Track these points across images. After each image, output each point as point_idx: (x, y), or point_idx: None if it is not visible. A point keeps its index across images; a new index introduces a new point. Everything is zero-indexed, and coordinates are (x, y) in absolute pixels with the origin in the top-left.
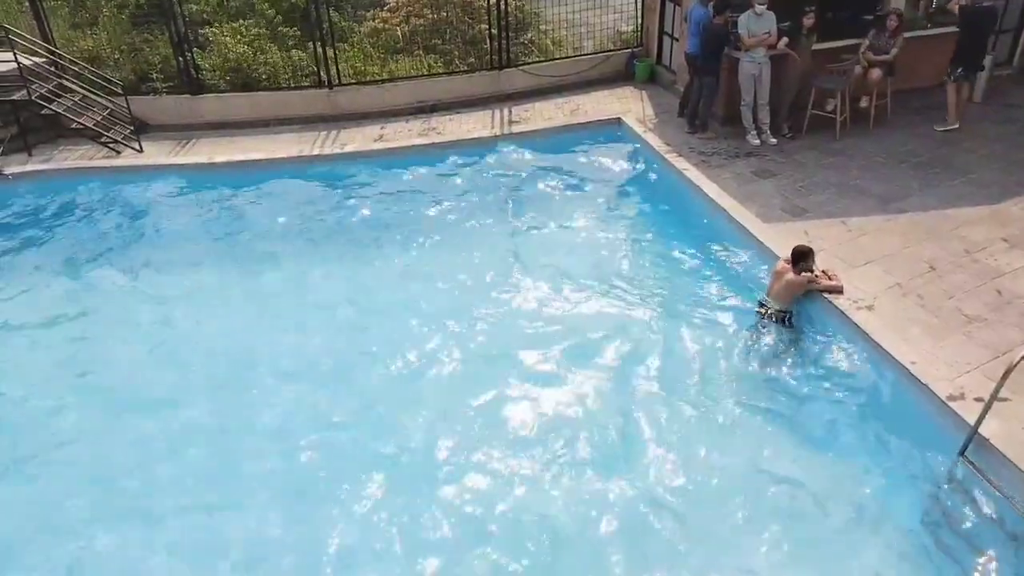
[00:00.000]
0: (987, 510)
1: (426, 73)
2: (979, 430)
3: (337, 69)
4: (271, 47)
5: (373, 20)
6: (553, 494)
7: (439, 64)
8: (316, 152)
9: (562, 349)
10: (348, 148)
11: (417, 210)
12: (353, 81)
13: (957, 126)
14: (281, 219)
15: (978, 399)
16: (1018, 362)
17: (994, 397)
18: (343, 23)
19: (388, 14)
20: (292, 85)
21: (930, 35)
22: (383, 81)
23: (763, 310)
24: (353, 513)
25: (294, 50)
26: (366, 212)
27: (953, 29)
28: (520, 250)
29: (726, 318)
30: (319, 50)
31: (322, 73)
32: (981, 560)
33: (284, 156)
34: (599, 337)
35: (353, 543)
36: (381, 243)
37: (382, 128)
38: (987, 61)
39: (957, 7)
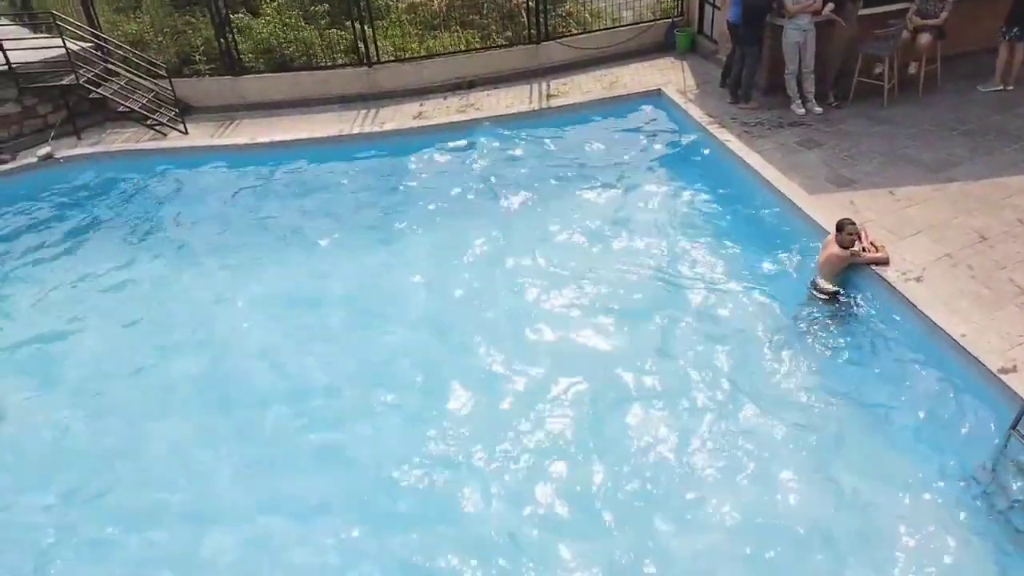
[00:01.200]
0: None
1: (464, 49)
2: None
3: (376, 46)
4: (305, 26)
5: None
6: (629, 471)
7: (476, 39)
8: (356, 131)
9: (614, 318)
10: (388, 126)
11: (458, 186)
12: (392, 59)
13: (1002, 88)
14: (324, 197)
15: None
16: None
17: None
18: (380, 0)
19: None
20: (332, 64)
21: None
22: (422, 58)
23: (812, 285)
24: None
25: (333, 29)
26: (413, 188)
27: None
28: (561, 224)
29: (773, 293)
30: (358, 27)
31: (362, 51)
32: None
33: (325, 135)
34: (646, 309)
35: None
36: (433, 219)
37: (421, 105)
38: None
39: None
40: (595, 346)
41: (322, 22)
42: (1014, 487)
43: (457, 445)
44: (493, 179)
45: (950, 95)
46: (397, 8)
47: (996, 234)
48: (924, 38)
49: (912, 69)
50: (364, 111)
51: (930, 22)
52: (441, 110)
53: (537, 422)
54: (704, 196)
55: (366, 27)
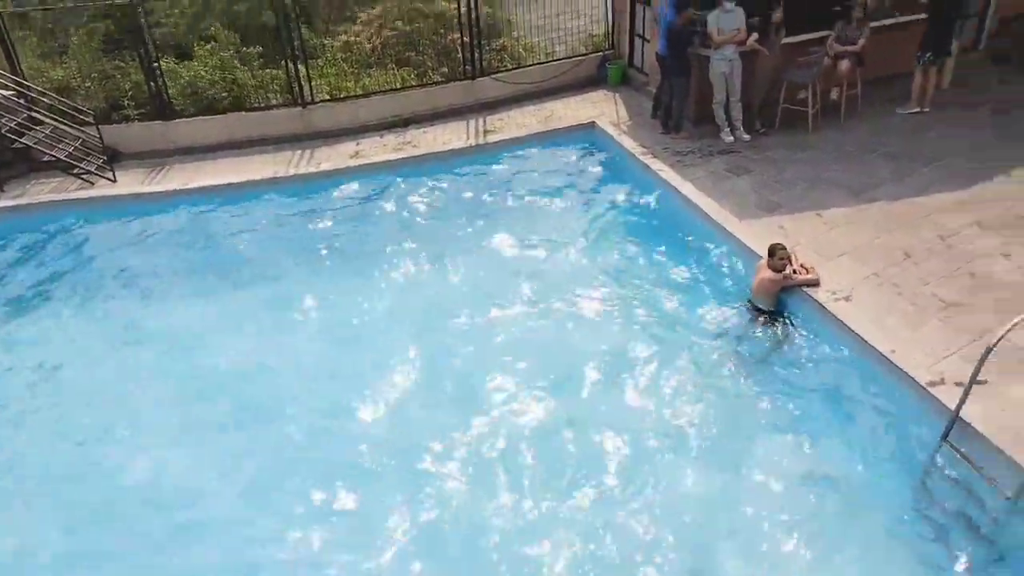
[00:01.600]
0: (970, 493)
1: (400, 86)
2: (960, 414)
3: (310, 86)
4: (238, 68)
5: (345, 35)
6: (560, 507)
7: (413, 76)
8: (292, 172)
9: (547, 354)
10: (324, 166)
11: (392, 225)
12: (327, 98)
13: (917, 110)
14: (259, 240)
15: (958, 383)
16: (995, 344)
17: (973, 381)
18: (314, 40)
19: (360, 27)
20: (264, 105)
21: (897, 23)
22: (357, 97)
23: (748, 308)
24: None
25: (268, 69)
26: (345, 229)
27: (919, 17)
28: (499, 259)
29: (710, 318)
30: (292, 68)
31: (296, 91)
32: (965, 542)
33: (259, 178)
34: (584, 344)
35: None
36: (360, 259)
37: (357, 144)
38: (953, 47)
39: None
40: (540, 377)
41: (255, 63)
42: (947, 497)
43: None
44: (430, 216)
45: (871, 119)
46: (332, 47)
47: (918, 251)
48: (844, 64)
49: (834, 95)
50: (299, 152)
51: (849, 49)
52: (378, 148)
53: (476, 454)
54: (639, 225)
55: (300, 67)
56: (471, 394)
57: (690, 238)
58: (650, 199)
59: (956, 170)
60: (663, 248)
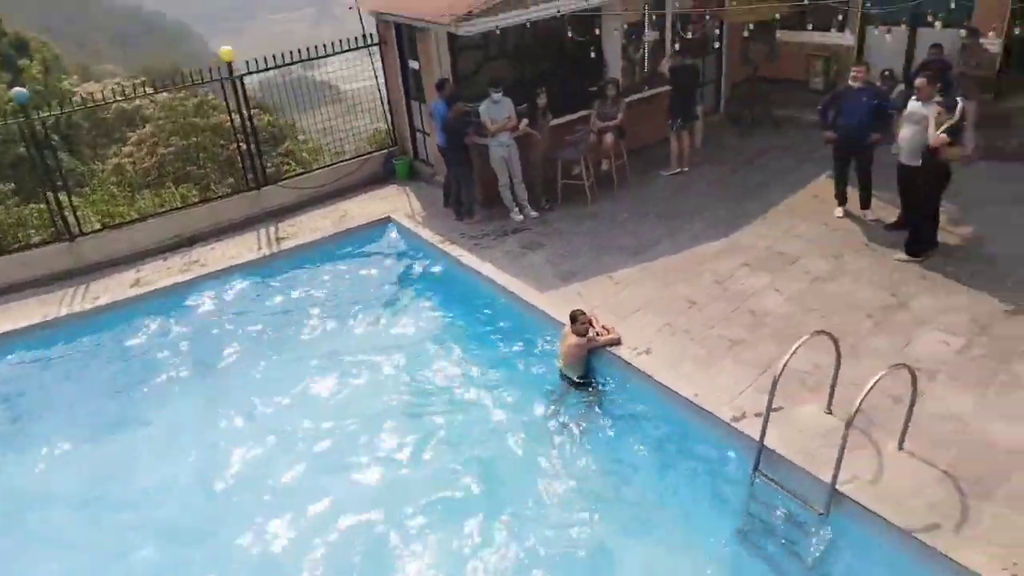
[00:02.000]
0: (787, 515)
1: (180, 205)
2: (764, 443)
3: (76, 217)
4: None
5: (116, 157)
6: None
7: (194, 192)
8: (65, 312)
9: (359, 455)
10: (102, 300)
11: (185, 352)
12: (99, 227)
13: (678, 171)
14: (24, 395)
15: (758, 414)
16: (781, 372)
17: (769, 409)
18: (80, 167)
19: (132, 148)
20: (24, 244)
21: (649, 95)
22: (134, 221)
23: (560, 377)
24: None
25: (31, 204)
26: (125, 366)
27: (666, 88)
28: (307, 369)
29: (525, 392)
30: (54, 199)
31: (60, 224)
32: (789, 561)
33: (27, 324)
34: (395, 436)
35: None
36: (146, 398)
37: (138, 271)
38: (698, 111)
39: (666, 68)
40: (349, 487)
41: (10, 201)
42: (769, 523)
43: None
44: (223, 337)
45: (640, 184)
46: (101, 172)
47: (701, 298)
48: (608, 138)
49: (604, 166)
50: (72, 289)
51: (610, 124)
52: (162, 272)
53: None
54: (445, 310)
55: (59, 197)
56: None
57: (498, 317)
58: (454, 284)
59: (719, 219)
60: (474, 331)
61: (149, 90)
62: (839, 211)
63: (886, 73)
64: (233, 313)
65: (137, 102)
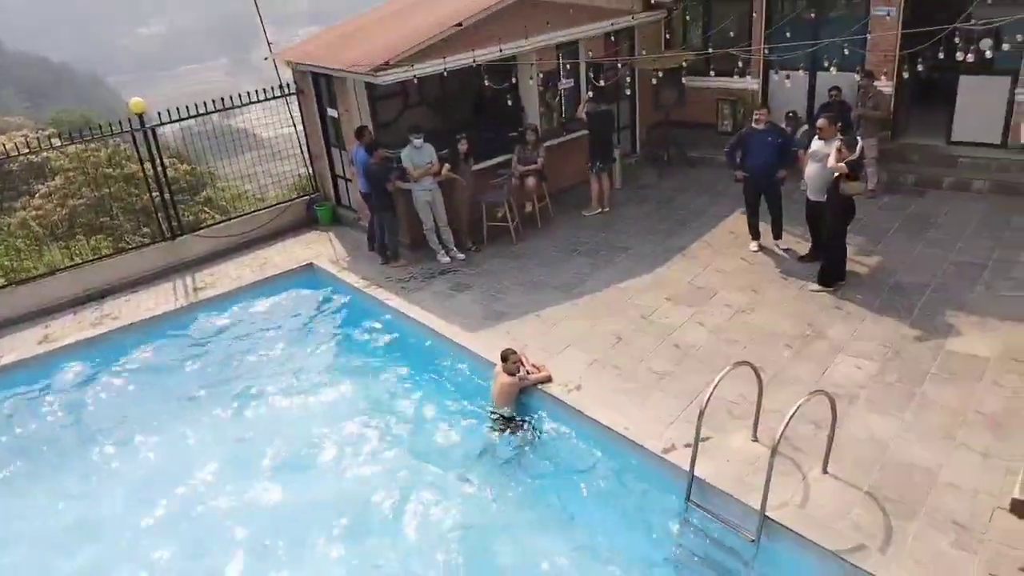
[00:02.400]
0: (719, 543)
1: (92, 258)
2: (695, 473)
3: None
4: None
5: (23, 210)
6: None
7: (107, 243)
8: None
9: (289, 507)
10: (5, 360)
11: (100, 410)
12: (3, 282)
13: (600, 210)
14: None
15: (687, 445)
16: (707, 403)
17: (697, 440)
18: None
19: (41, 200)
20: None
21: (568, 140)
22: (41, 276)
23: (492, 415)
24: None
25: None
26: (31, 428)
27: (584, 132)
28: (231, 426)
29: (456, 433)
30: None
31: None
32: None
33: None
34: (326, 490)
35: None
36: (58, 463)
37: (46, 328)
38: (616, 153)
39: (584, 113)
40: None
41: None
42: (702, 552)
43: None
44: (135, 395)
45: (564, 224)
46: (8, 226)
47: (628, 333)
48: (530, 181)
49: (528, 208)
50: None
51: (531, 168)
52: (72, 328)
53: None
54: (372, 356)
55: None
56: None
57: (427, 360)
58: (381, 328)
59: (642, 256)
60: (403, 374)
61: (57, 142)
62: (754, 245)
63: (790, 114)
64: (147, 366)
65: (45, 154)
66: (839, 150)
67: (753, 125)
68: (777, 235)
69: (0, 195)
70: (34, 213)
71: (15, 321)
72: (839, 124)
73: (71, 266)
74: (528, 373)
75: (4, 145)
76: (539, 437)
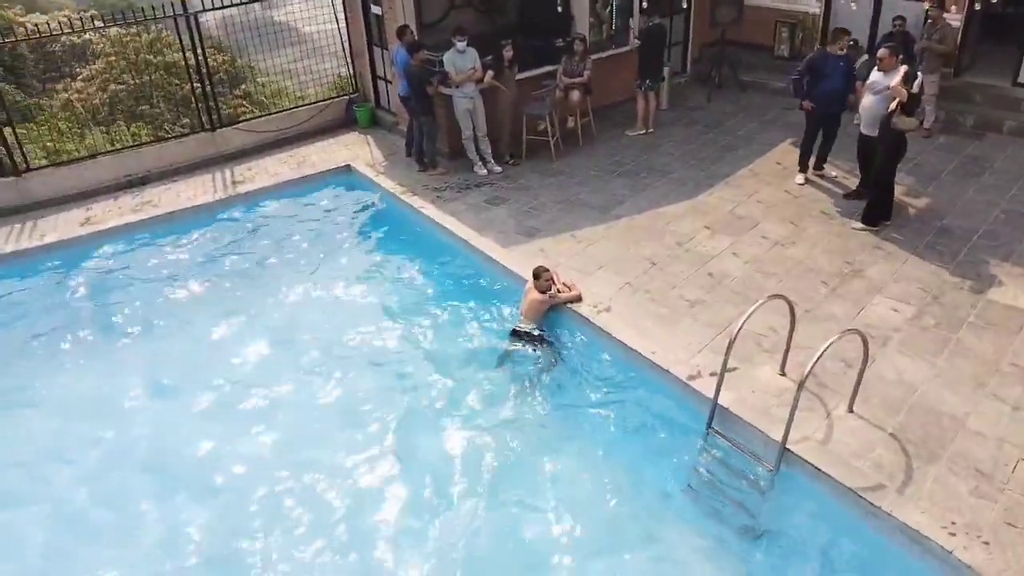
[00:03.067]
0: (738, 470)
1: (132, 144)
2: (719, 401)
3: (22, 152)
4: None
5: (65, 92)
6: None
7: (147, 131)
8: (9, 249)
9: (330, 407)
10: (49, 238)
11: (143, 295)
12: (46, 163)
13: (644, 131)
14: None
15: (713, 374)
16: (737, 334)
17: (724, 369)
18: (25, 101)
19: (82, 84)
20: None
21: (616, 54)
22: (83, 159)
23: (518, 330)
24: None
25: None
26: (84, 307)
27: (633, 48)
28: (270, 314)
29: (485, 344)
30: None
31: (4, 159)
32: (737, 515)
33: None
34: (362, 390)
35: None
36: (112, 337)
37: (87, 210)
38: (666, 72)
39: (636, 33)
40: (327, 439)
41: None
42: (720, 478)
43: None
44: (179, 280)
45: (605, 142)
46: (50, 107)
47: (663, 258)
48: (574, 95)
49: (570, 123)
50: (17, 225)
51: (576, 81)
52: (113, 212)
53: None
54: (406, 262)
55: (3, 131)
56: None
57: (458, 271)
58: (414, 236)
59: (683, 181)
60: (432, 283)
61: (99, 24)
62: (800, 178)
63: (851, 43)
64: (188, 254)
65: (87, 36)
66: (900, 82)
67: (830, 50)
68: (820, 166)
69: (43, 75)
70: (76, 96)
71: (57, 202)
72: (900, 56)
73: (112, 151)
74: (559, 291)
75: (49, 24)
76: (561, 354)
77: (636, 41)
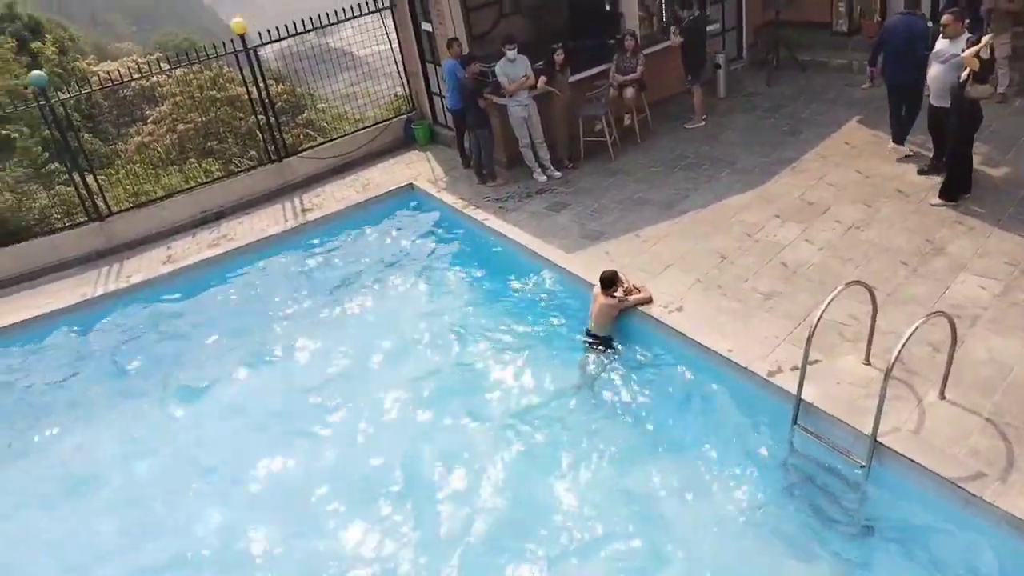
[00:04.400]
0: (828, 467)
1: (204, 181)
2: (802, 396)
3: (104, 197)
4: (37, 189)
5: (138, 136)
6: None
7: (217, 167)
8: (100, 292)
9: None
10: (135, 279)
11: (234, 325)
12: (128, 205)
13: (703, 122)
14: (75, 375)
15: (794, 368)
16: (816, 325)
17: (805, 362)
18: (103, 148)
19: (153, 126)
20: (56, 227)
21: (669, 47)
22: (161, 199)
23: (589, 338)
24: None
25: (59, 186)
26: (174, 344)
27: (676, 43)
28: (352, 332)
29: (559, 351)
30: (80, 181)
31: (89, 205)
32: (832, 512)
33: (64, 306)
34: (444, 394)
35: None
36: (204, 371)
37: (168, 249)
38: (720, 59)
39: (677, 36)
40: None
41: (35, 183)
42: (810, 476)
43: None
44: (262, 308)
45: (664, 137)
46: (125, 152)
47: (732, 251)
48: (629, 92)
49: (627, 121)
50: (106, 268)
51: (629, 78)
52: (192, 249)
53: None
54: (475, 274)
55: (85, 178)
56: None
57: (525, 279)
58: (481, 248)
59: (748, 170)
60: (502, 293)
61: (165, 66)
62: (892, 146)
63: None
64: (268, 285)
65: (155, 79)
66: (971, 52)
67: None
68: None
69: (116, 120)
70: (148, 138)
71: (140, 243)
72: (967, 20)
73: (186, 189)
74: (628, 294)
75: (119, 71)
76: (636, 358)
77: (678, 37)
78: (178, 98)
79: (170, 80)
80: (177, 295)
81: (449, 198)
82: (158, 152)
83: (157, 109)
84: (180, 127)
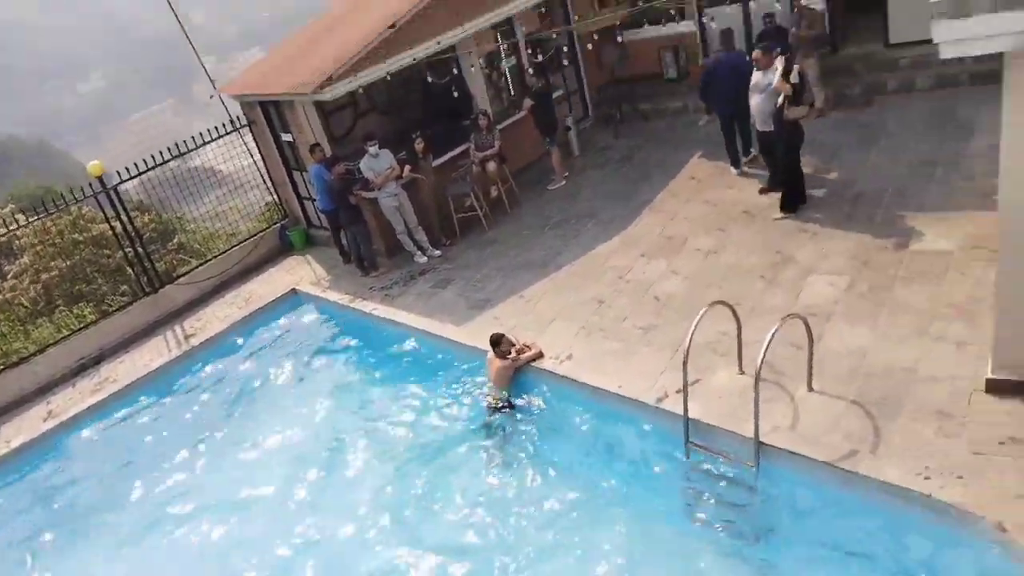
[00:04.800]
0: (725, 476)
1: (78, 327)
2: (689, 416)
3: None
4: None
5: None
6: None
7: (90, 310)
8: None
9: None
10: (16, 442)
11: (114, 472)
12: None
13: (564, 182)
14: None
15: (678, 391)
16: (688, 348)
17: (686, 383)
18: None
19: (14, 280)
20: None
21: (520, 118)
22: (31, 355)
23: (490, 401)
24: None
25: None
26: (58, 504)
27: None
28: (250, 453)
29: (460, 422)
30: None
31: None
32: (734, 515)
33: None
34: (348, 498)
35: None
36: (90, 529)
37: (48, 404)
38: (569, 121)
39: (528, 105)
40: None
41: None
42: (709, 487)
43: None
44: (153, 446)
45: (531, 202)
46: None
47: (608, 295)
48: (491, 166)
49: (494, 193)
50: None
51: (489, 153)
52: (74, 399)
53: None
54: (371, 365)
55: None
56: None
57: (422, 359)
58: (373, 339)
59: (611, 219)
60: (400, 379)
61: (22, 218)
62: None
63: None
64: (152, 420)
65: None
66: (782, 76)
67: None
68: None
69: None
70: (10, 295)
71: (17, 403)
72: (777, 51)
73: (60, 340)
74: (519, 353)
75: None
76: (537, 411)
77: (529, 101)
78: (38, 248)
79: (27, 231)
80: (58, 451)
81: (334, 295)
82: (24, 306)
83: (17, 262)
84: (44, 276)
